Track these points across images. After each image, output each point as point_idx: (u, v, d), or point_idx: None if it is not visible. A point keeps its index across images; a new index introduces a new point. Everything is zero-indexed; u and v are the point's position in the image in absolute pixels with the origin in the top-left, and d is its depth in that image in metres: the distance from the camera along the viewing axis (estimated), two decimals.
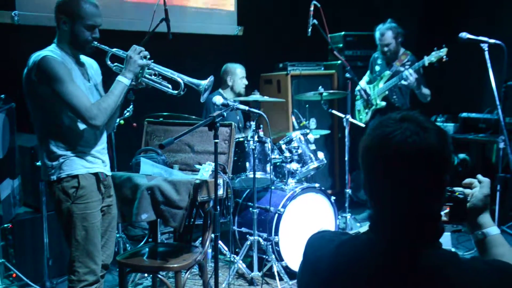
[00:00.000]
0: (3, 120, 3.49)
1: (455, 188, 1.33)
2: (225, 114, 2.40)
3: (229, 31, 5.51)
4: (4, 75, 3.83)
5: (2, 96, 3.47)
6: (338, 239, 1.19)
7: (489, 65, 3.14)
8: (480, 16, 4.80)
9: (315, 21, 4.13)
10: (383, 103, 4.47)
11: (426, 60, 4.08)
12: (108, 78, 2.70)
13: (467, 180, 1.36)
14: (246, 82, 4.42)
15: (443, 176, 1.09)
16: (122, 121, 3.65)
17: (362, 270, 1.10)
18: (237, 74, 4.36)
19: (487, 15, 4.85)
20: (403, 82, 4.25)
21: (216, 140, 2.33)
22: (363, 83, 4.70)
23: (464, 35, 3.24)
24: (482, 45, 3.17)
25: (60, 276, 3.67)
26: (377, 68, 4.67)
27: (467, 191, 1.33)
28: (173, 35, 3.72)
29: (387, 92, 4.49)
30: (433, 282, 1.04)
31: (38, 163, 3.46)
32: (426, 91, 4.37)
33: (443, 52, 3.99)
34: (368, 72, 4.85)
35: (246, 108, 2.76)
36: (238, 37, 5.57)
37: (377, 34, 4.49)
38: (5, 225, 3.55)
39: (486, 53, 3.15)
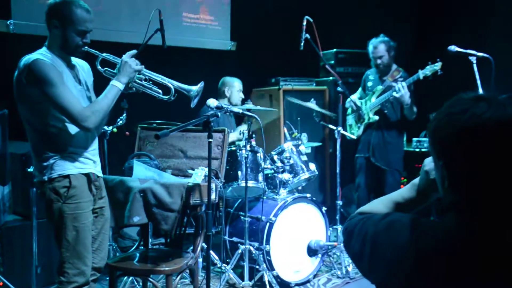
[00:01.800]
0: None
1: None
2: (219, 114, 2.43)
3: (222, 46, 5.59)
4: None
5: None
6: (418, 222, 1.15)
7: (477, 77, 3.21)
8: (469, 30, 4.91)
9: (307, 35, 4.20)
10: (376, 117, 4.51)
11: (421, 74, 4.14)
12: (99, 81, 2.73)
13: None
14: (243, 96, 4.53)
15: None
16: (115, 129, 3.67)
17: (457, 253, 1.07)
18: (235, 86, 4.49)
19: (476, 29, 4.96)
20: (394, 94, 4.30)
21: (210, 140, 2.35)
22: (354, 98, 4.75)
23: (453, 48, 3.31)
24: (470, 58, 3.25)
25: (49, 285, 3.62)
26: (370, 84, 4.74)
27: None
28: (166, 48, 3.78)
29: (379, 107, 4.54)
30: None
31: (29, 169, 3.45)
32: (414, 108, 4.43)
33: (437, 66, 4.06)
34: (360, 89, 4.91)
35: (240, 110, 2.79)
36: (231, 52, 5.65)
37: (370, 48, 4.55)
38: None
39: (475, 66, 3.22)
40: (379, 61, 4.51)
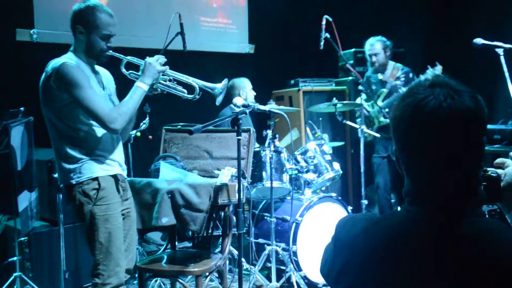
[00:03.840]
0: (22, 133, 3.54)
1: (488, 168, 1.31)
2: (247, 111, 2.42)
3: (240, 49, 5.60)
4: (23, 91, 3.90)
5: (22, 109, 3.51)
6: (373, 217, 1.15)
7: (505, 69, 3.13)
8: (490, 22, 4.83)
9: (327, 34, 4.17)
10: (387, 121, 4.46)
11: (422, 78, 4.10)
12: (122, 86, 2.75)
13: (499, 160, 1.33)
14: (254, 93, 4.50)
15: (480, 138, 1.07)
16: (138, 133, 3.68)
17: (403, 244, 1.06)
18: (247, 86, 4.47)
19: (497, 20, 4.87)
20: None
21: (239, 137, 2.34)
22: (362, 102, 4.67)
23: (478, 41, 3.23)
24: (497, 50, 3.17)
25: None
26: (373, 87, 4.71)
27: (500, 171, 1.30)
28: (185, 52, 3.79)
29: (387, 110, 4.50)
30: (469, 253, 1.00)
31: (55, 175, 3.48)
32: None
33: (437, 70, 4.05)
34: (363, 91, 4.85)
35: (267, 108, 2.78)
36: (249, 55, 5.66)
37: (367, 46, 4.58)
38: (22, 239, 3.55)
39: (502, 58, 3.14)
40: (374, 59, 4.54)
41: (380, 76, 4.63)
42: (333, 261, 1.19)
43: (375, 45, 4.53)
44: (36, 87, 2.47)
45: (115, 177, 2.45)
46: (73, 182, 2.35)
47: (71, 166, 2.35)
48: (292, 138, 3.01)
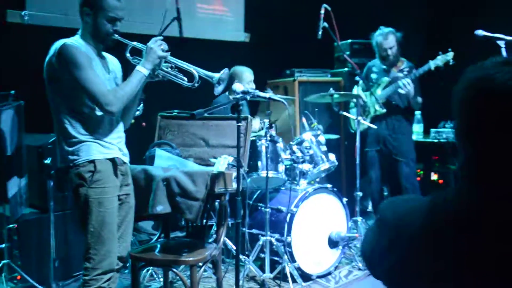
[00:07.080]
0: (12, 116, 3.44)
1: None
2: (248, 97, 2.36)
3: (236, 37, 5.52)
4: (14, 74, 3.79)
5: (12, 92, 3.42)
6: (420, 198, 1.12)
7: None
8: (492, 13, 4.78)
9: (325, 24, 4.12)
10: (383, 110, 4.39)
11: (432, 64, 4.05)
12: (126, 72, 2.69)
13: None
14: (253, 87, 4.34)
15: None
16: (132, 120, 3.59)
17: (459, 225, 1.02)
18: (244, 78, 4.24)
19: (500, 12, 4.83)
20: (400, 91, 4.23)
21: (239, 124, 2.28)
22: (359, 92, 4.62)
23: (480, 32, 3.21)
24: (498, 42, 3.15)
25: (66, 279, 3.58)
26: (374, 76, 4.64)
27: None
28: (181, 39, 3.71)
29: (385, 99, 4.46)
30: None
31: (46, 161, 3.40)
32: (419, 99, 4.36)
33: (449, 56, 3.99)
34: (361, 81, 4.80)
35: (267, 96, 2.72)
36: (245, 43, 5.58)
37: (379, 39, 4.43)
38: (11, 226, 3.47)
39: (503, 50, 3.12)
40: (389, 52, 4.42)
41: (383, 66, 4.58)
42: (377, 241, 1.17)
43: (389, 38, 4.39)
44: (27, 69, 2.46)
45: (113, 160, 2.42)
46: (70, 164, 2.35)
47: (70, 148, 2.36)
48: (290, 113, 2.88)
